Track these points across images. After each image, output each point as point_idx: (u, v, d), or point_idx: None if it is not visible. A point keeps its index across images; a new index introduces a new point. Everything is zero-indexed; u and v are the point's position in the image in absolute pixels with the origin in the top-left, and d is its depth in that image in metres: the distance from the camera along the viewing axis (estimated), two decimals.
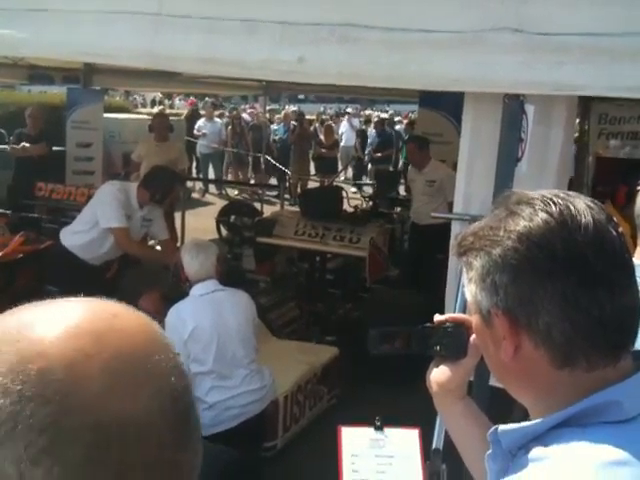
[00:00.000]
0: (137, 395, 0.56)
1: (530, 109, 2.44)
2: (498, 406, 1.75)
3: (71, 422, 0.53)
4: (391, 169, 14.58)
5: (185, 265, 3.55)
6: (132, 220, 4.75)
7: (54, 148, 8.18)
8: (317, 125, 18.35)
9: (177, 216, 8.40)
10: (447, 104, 7.22)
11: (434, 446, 2.12)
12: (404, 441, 1.91)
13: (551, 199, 0.91)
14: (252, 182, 14.95)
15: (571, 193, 0.95)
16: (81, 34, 3.01)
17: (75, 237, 4.87)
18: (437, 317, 1.26)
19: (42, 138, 8.07)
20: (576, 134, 6.19)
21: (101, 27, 2.94)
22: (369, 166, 15.30)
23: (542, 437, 0.89)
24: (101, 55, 3.26)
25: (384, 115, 19.50)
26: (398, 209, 8.73)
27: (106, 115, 9.46)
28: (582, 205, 0.91)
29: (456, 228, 2.74)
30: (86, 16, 3.00)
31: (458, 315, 1.27)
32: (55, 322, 0.57)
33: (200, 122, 15.03)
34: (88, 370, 0.54)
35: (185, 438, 0.60)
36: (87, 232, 4.80)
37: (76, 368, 0.54)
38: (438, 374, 1.26)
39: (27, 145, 7.96)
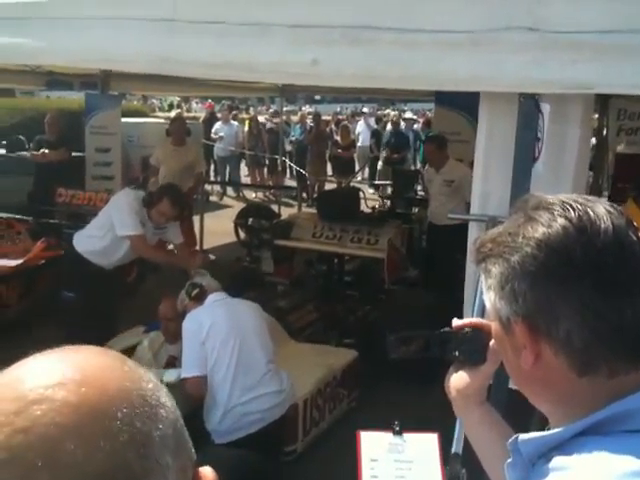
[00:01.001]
0: None
1: (546, 108, 2.41)
2: (518, 411, 1.73)
3: None
4: (412, 168, 14.43)
5: (206, 285, 4.02)
6: (145, 227, 4.80)
7: (73, 154, 8.25)
8: (332, 126, 18.30)
9: (196, 219, 8.45)
10: (464, 102, 7.05)
11: (453, 450, 2.10)
12: (423, 446, 1.90)
13: (570, 204, 0.90)
14: (269, 184, 14.97)
15: (590, 198, 0.93)
16: (95, 41, 3.02)
17: (89, 242, 4.89)
18: (456, 322, 1.24)
19: (61, 144, 8.14)
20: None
21: (115, 34, 2.95)
22: (379, 165, 15.09)
23: (563, 446, 0.87)
24: (115, 61, 3.27)
25: (408, 115, 19.30)
26: (416, 209, 8.66)
27: (124, 119, 9.50)
28: (601, 210, 0.89)
29: (473, 229, 2.71)
30: (100, 23, 3.01)
31: (477, 320, 1.25)
32: None
33: (217, 125, 15.04)
34: None
35: None
36: (102, 238, 4.83)
37: None
38: (457, 380, 1.24)
39: (47, 151, 8.03)
